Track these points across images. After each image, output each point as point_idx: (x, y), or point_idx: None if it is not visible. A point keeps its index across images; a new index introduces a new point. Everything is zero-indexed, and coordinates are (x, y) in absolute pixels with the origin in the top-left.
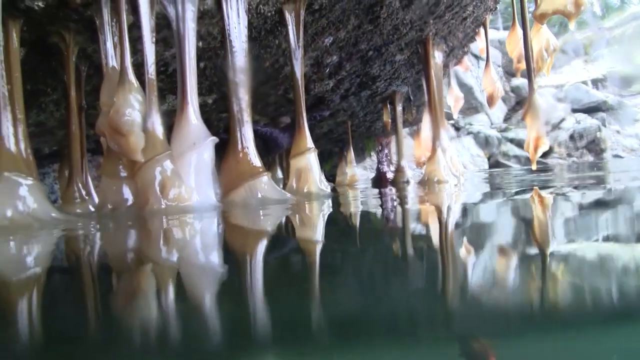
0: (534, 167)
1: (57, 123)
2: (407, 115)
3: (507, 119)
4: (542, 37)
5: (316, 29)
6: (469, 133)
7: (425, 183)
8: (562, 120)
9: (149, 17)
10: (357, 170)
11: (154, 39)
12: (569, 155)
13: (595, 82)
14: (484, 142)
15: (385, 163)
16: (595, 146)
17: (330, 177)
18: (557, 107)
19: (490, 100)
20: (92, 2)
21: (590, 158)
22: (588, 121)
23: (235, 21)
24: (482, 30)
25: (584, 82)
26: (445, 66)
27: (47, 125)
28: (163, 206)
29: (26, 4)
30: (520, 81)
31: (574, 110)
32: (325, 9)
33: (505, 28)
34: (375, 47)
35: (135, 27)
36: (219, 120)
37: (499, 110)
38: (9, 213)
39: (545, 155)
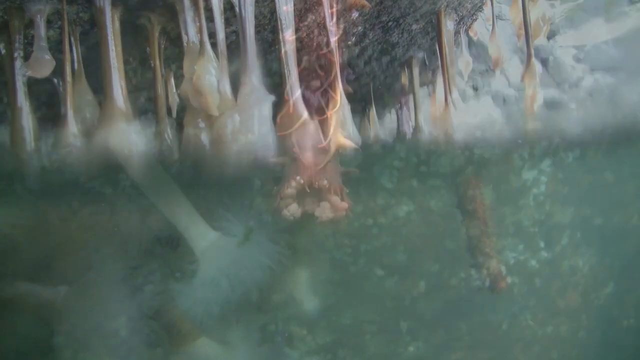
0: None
1: (132, 88)
2: (422, 77)
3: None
4: (539, 9)
5: (345, 6)
6: (487, 93)
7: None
8: (581, 79)
9: (219, 1)
10: None
11: (223, 19)
12: None
13: (616, 42)
14: (502, 102)
15: (404, 120)
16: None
17: None
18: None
19: (495, 65)
20: None
21: None
22: (607, 80)
23: (284, 3)
24: (489, 1)
25: (605, 42)
26: (457, 33)
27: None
28: None
29: None
30: (537, 41)
31: (593, 70)
32: None
33: None
34: (394, 18)
35: (206, 9)
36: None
37: (517, 69)
38: None
39: None
